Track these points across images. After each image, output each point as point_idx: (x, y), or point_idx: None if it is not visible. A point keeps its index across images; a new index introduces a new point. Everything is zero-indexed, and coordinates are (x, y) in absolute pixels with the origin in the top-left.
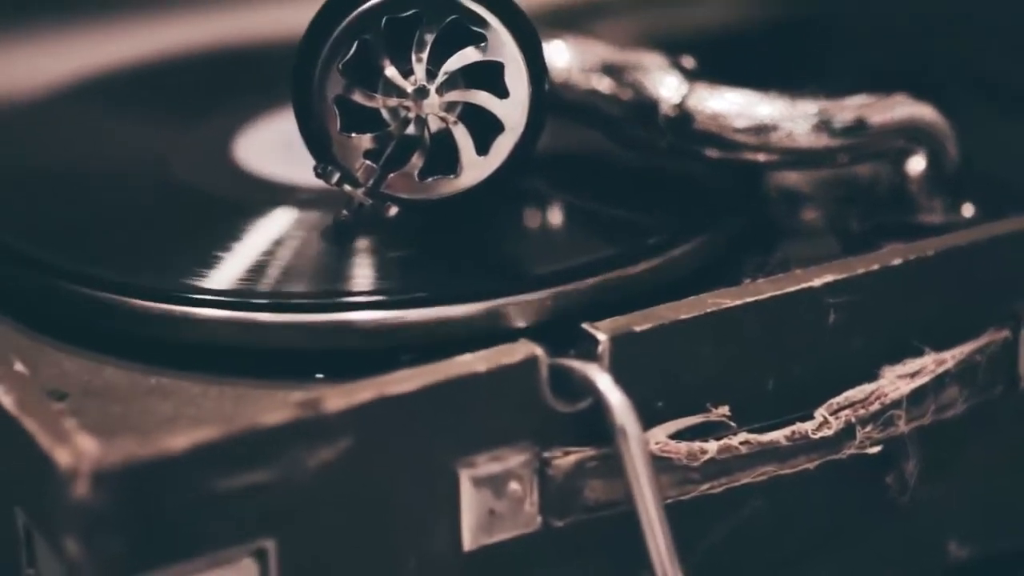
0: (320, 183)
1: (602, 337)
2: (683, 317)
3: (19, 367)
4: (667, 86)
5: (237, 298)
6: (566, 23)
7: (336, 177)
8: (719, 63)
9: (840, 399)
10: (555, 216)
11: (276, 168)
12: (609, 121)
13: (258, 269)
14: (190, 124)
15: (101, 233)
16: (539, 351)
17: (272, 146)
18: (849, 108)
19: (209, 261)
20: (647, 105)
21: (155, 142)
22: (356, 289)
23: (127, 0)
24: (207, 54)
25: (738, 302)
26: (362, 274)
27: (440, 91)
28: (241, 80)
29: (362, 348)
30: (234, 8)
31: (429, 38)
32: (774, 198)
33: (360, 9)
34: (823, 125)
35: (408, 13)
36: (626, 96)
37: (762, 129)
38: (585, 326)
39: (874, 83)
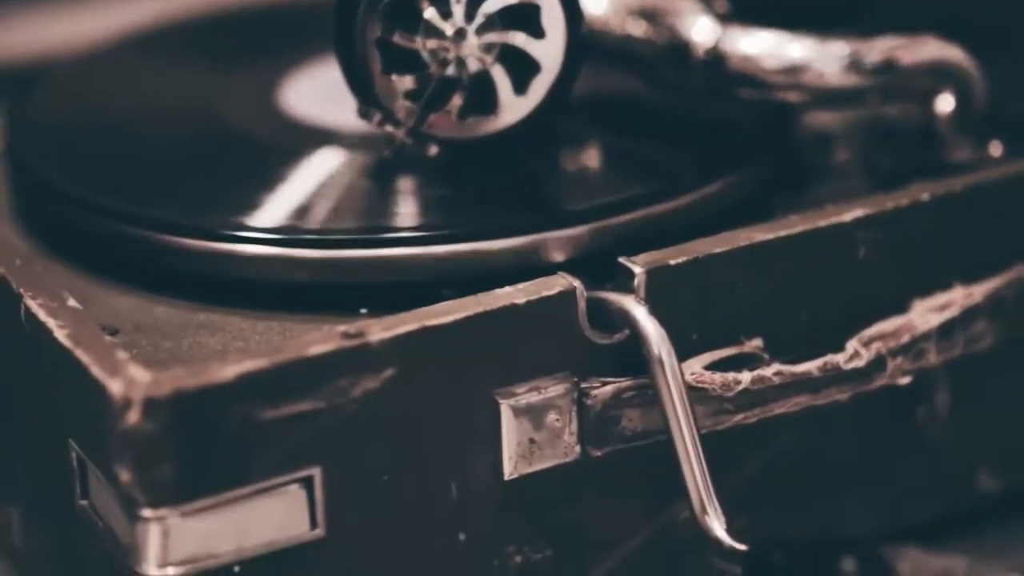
0: (362, 126)
1: (638, 270)
2: (717, 251)
3: (72, 303)
4: (700, 29)
5: (283, 235)
6: None
7: (378, 118)
8: (751, 9)
9: (871, 331)
10: (592, 155)
11: (319, 113)
12: (645, 64)
13: (303, 208)
14: (236, 73)
15: (152, 176)
16: (577, 283)
17: (315, 92)
18: (879, 48)
19: (256, 201)
20: (681, 48)
21: (202, 90)
22: (398, 225)
23: None
24: (252, 6)
25: (770, 236)
26: (404, 211)
27: (478, 32)
28: (285, 31)
29: (404, 282)
30: None
31: None
32: (806, 140)
33: None
34: (853, 65)
35: None
36: (661, 39)
37: (793, 69)
38: (622, 260)
39: (905, 28)
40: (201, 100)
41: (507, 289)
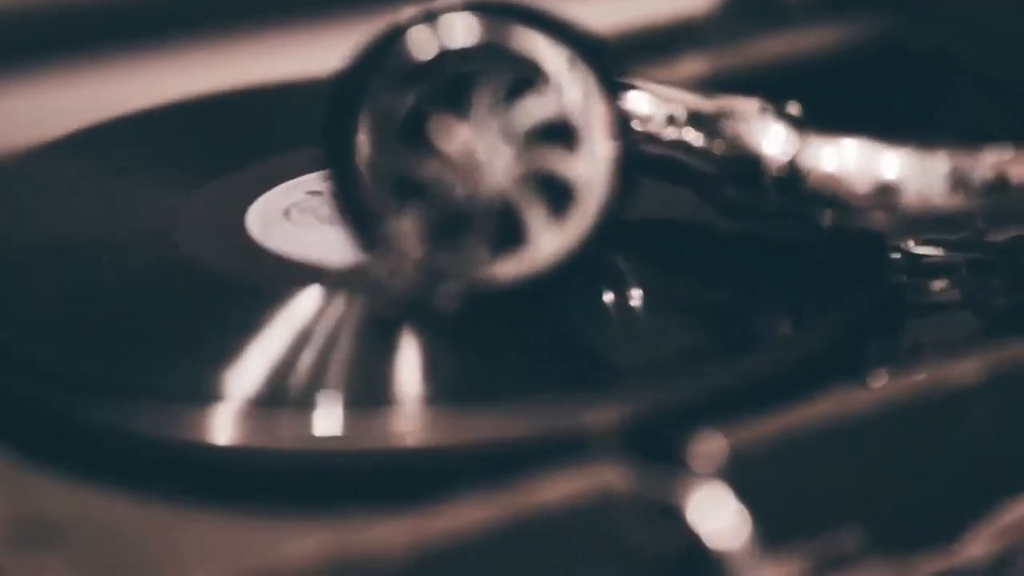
0: (354, 260)
1: (707, 454)
2: (804, 424)
3: None
4: (771, 138)
5: (254, 414)
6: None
7: (382, 261)
8: (810, 100)
9: (995, 519)
10: (640, 301)
11: (301, 240)
12: (700, 179)
13: (280, 373)
14: (196, 186)
15: (90, 329)
16: (628, 473)
17: (295, 213)
18: (987, 163)
19: (219, 367)
20: (747, 161)
21: (154, 210)
22: (402, 399)
23: (118, 43)
24: (214, 101)
25: (869, 405)
26: (409, 380)
27: (504, 154)
28: (257, 131)
29: (408, 471)
30: (245, 48)
31: (489, 94)
32: (898, 267)
33: (404, 65)
34: (959, 183)
35: (466, 68)
36: (721, 150)
37: (888, 189)
38: (683, 441)
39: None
40: (155, 225)
41: (541, 480)
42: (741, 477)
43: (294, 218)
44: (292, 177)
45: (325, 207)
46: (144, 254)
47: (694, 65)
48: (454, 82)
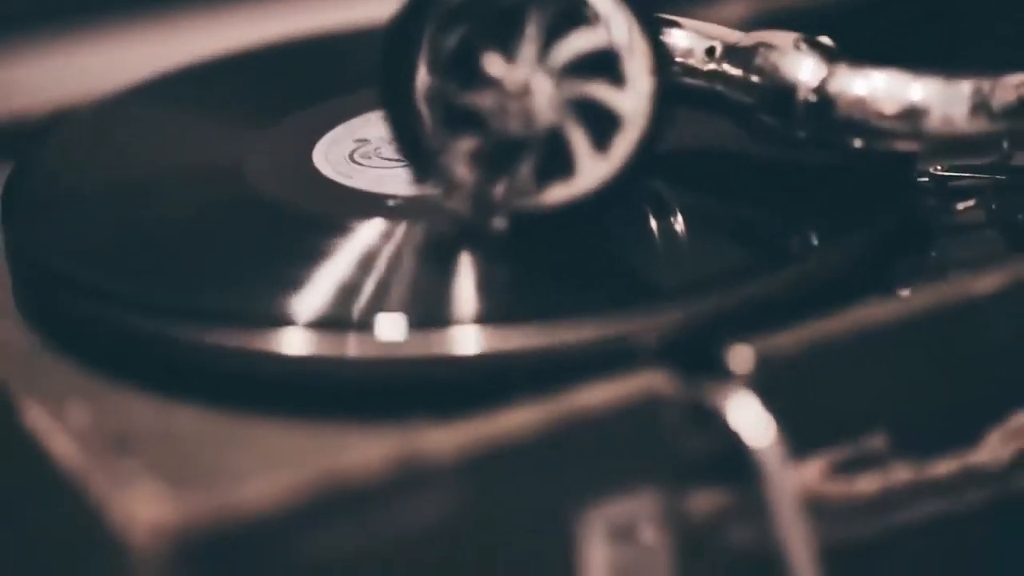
0: (413, 190)
1: (740, 361)
2: (833, 334)
3: (81, 413)
4: (804, 68)
5: (322, 328)
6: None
7: (437, 187)
8: (844, 41)
9: (1013, 423)
10: (680, 221)
11: (363, 173)
12: (738, 109)
13: (346, 293)
14: (263, 127)
15: (168, 257)
16: (668, 380)
17: (357, 148)
18: (1009, 87)
19: (288, 286)
20: (782, 90)
21: (225, 149)
22: (459, 313)
23: None
24: (280, 47)
25: (895, 316)
26: (465, 296)
27: (551, 85)
28: (321, 75)
29: (466, 380)
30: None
31: (536, 28)
32: (925, 189)
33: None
34: (981, 107)
35: (513, 3)
36: (756, 80)
37: (913, 114)
38: (720, 349)
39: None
40: (224, 161)
41: (587, 388)
42: (772, 384)
43: (358, 154)
44: (355, 116)
45: (385, 141)
46: (218, 189)
47: (735, 8)
48: (502, 17)
